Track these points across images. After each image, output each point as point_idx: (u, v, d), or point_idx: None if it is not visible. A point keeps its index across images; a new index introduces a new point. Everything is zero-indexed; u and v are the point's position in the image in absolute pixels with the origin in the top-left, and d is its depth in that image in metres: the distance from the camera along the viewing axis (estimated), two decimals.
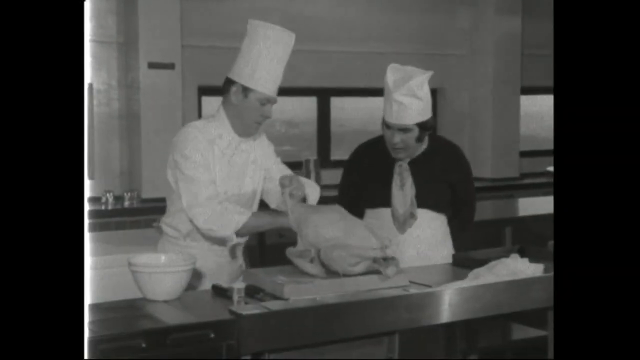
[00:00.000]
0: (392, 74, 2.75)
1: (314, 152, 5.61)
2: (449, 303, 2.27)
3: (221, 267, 2.55)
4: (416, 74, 2.75)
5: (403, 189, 2.80)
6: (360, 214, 2.80)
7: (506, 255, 2.54)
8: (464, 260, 2.74)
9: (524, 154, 6.21)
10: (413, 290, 2.30)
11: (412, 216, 2.80)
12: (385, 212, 2.81)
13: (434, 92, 6.05)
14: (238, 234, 2.44)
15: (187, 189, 2.44)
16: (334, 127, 5.68)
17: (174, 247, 2.51)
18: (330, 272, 2.31)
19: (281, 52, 2.48)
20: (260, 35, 2.47)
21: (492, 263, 2.49)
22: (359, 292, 2.26)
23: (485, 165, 5.99)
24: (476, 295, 2.32)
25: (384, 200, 2.82)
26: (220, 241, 2.50)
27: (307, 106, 5.62)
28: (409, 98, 2.71)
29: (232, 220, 2.41)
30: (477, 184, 5.26)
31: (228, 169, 2.53)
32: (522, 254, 2.60)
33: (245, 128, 2.54)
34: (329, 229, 2.33)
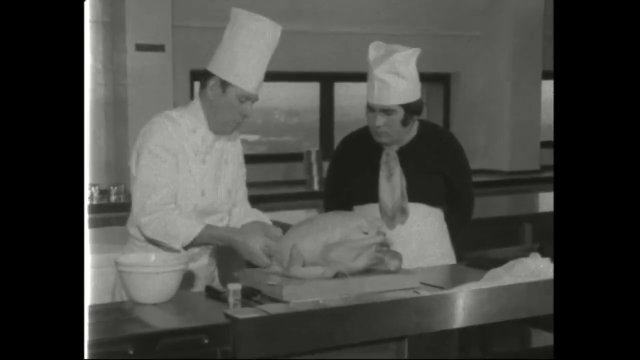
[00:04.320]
0: (374, 51, 2.74)
1: (315, 143, 5.62)
2: (463, 306, 2.28)
3: (194, 272, 2.54)
4: (400, 49, 2.73)
5: (391, 180, 2.79)
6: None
7: (525, 254, 2.54)
8: (479, 260, 2.74)
9: (545, 145, 6.21)
10: (424, 292, 2.31)
11: (403, 211, 2.78)
12: (374, 208, 2.81)
13: (446, 78, 6.08)
14: (188, 247, 2.43)
15: (138, 192, 2.42)
16: (337, 116, 5.69)
17: (140, 250, 2.49)
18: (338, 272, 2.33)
19: (265, 46, 2.45)
20: (244, 26, 2.44)
21: (510, 263, 2.49)
22: (365, 295, 2.27)
23: (502, 157, 6.00)
24: (493, 298, 2.32)
25: (372, 195, 2.81)
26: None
27: (309, 93, 5.62)
28: (391, 75, 2.69)
29: (180, 234, 2.39)
30: (494, 177, 5.23)
31: (203, 168, 2.52)
32: (543, 253, 2.60)
33: (221, 126, 2.52)
34: (306, 242, 2.34)
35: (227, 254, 2.63)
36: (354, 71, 5.54)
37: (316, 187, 5.14)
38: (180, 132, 2.48)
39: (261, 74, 2.48)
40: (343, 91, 5.69)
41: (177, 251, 2.41)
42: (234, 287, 2.17)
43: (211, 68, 2.48)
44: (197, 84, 5.06)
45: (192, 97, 5.07)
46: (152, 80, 4.73)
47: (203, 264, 2.60)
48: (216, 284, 2.28)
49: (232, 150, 2.63)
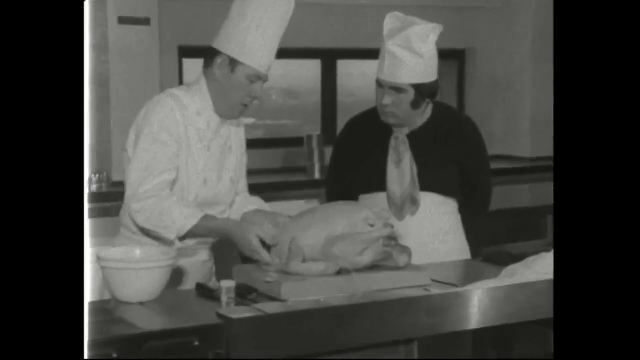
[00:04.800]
0: (390, 22, 2.75)
1: (317, 127, 5.62)
2: (477, 306, 2.29)
3: (191, 269, 2.56)
4: (418, 23, 2.72)
5: (400, 166, 2.80)
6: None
7: (547, 249, 2.54)
8: (496, 255, 2.75)
9: None
10: (435, 290, 2.32)
11: (413, 201, 2.79)
12: (381, 197, 2.82)
13: (460, 55, 6.07)
14: (183, 238, 2.43)
15: (133, 176, 2.42)
16: (341, 97, 5.68)
17: (132, 244, 2.49)
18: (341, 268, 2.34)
19: (278, 21, 2.46)
20: (254, 0, 2.45)
21: (531, 259, 2.51)
22: (371, 293, 2.28)
23: (523, 141, 5.99)
24: (510, 297, 2.33)
25: (380, 183, 2.82)
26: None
27: (310, 71, 5.61)
28: (404, 51, 2.69)
29: (175, 224, 2.39)
30: (513, 164, 5.25)
31: (207, 156, 2.53)
32: None
33: (229, 109, 2.53)
34: (307, 235, 2.35)
35: (228, 248, 2.64)
36: (359, 47, 5.53)
37: (317, 175, 5.14)
38: (185, 115, 2.48)
39: (273, 52, 2.49)
40: (347, 69, 5.69)
41: (170, 243, 2.41)
42: (227, 284, 2.17)
43: (218, 45, 2.48)
44: (186, 62, 5.10)
45: (181, 76, 5.08)
46: (136, 57, 4.71)
47: (201, 259, 2.61)
48: (214, 283, 2.28)
49: (237, 137, 2.64)
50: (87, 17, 1.58)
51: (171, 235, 2.40)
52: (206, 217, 2.43)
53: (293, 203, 4.47)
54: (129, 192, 2.44)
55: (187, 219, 2.40)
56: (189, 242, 2.48)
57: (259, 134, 5.52)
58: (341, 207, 2.44)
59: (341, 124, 5.54)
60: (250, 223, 2.49)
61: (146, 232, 2.46)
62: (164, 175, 2.43)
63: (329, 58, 5.64)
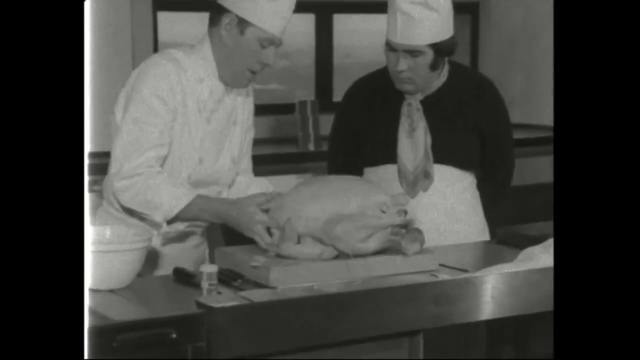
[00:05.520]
0: None
1: (311, 92, 5.62)
2: (491, 294, 2.31)
3: (181, 253, 2.59)
4: None
5: (413, 136, 2.82)
6: (357, 175, 2.80)
7: None
8: (513, 237, 2.78)
9: None
10: (443, 276, 2.35)
11: (427, 175, 2.82)
12: (389, 170, 2.84)
13: (474, 7, 6.06)
14: (173, 221, 2.45)
15: (120, 149, 2.42)
16: (337, 58, 5.68)
17: (116, 222, 2.52)
18: (340, 252, 2.36)
19: None
20: None
21: (551, 240, 2.52)
22: (371, 279, 2.30)
23: (544, 109, 6.00)
24: (529, 284, 2.35)
25: (389, 154, 2.84)
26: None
27: (302, 27, 5.60)
28: (418, 7, 2.70)
29: (164, 204, 2.40)
30: (534, 134, 5.27)
31: (206, 130, 2.54)
32: None
33: (235, 76, 2.53)
34: (314, 206, 2.35)
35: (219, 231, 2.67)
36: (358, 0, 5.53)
37: (311, 146, 5.16)
38: (185, 81, 2.48)
39: (289, 12, 2.48)
40: (344, 25, 5.68)
41: (158, 226, 2.43)
42: (209, 269, 2.19)
43: (225, 1, 2.47)
44: (161, 16, 5.08)
45: (155, 32, 5.06)
46: (104, 12, 4.69)
47: (192, 244, 2.64)
48: (203, 266, 2.29)
49: (243, 108, 2.64)
50: (87, 17, 1.67)
51: (159, 218, 2.42)
52: (199, 198, 2.44)
53: (283, 178, 4.47)
54: (113, 169, 2.44)
55: (177, 200, 2.41)
56: (179, 226, 2.49)
57: None
58: (356, 185, 2.44)
59: (338, 88, 5.61)
60: (250, 203, 2.47)
61: (131, 212, 2.48)
62: (154, 151, 2.43)
63: (323, 12, 5.63)
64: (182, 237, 2.57)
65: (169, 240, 2.56)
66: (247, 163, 2.73)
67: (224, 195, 2.64)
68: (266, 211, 2.39)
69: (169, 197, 2.41)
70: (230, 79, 2.53)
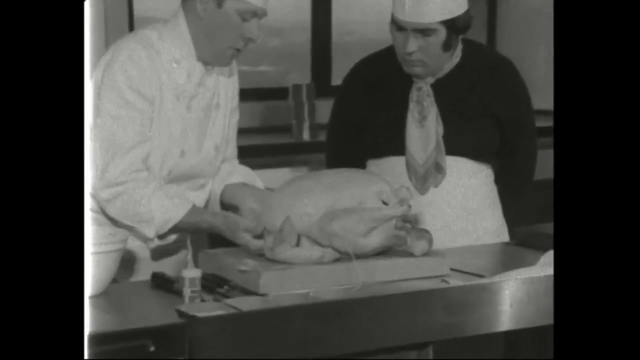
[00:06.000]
0: None
1: (306, 74, 5.61)
2: (509, 302, 2.31)
3: (162, 256, 2.61)
4: None
5: (423, 124, 2.83)
6: (359, 168, 2.81)
7: None
8: (534, 237, 2.79)
9: None
10: (456, 281, 2.36)
11: (438, 168, 2.83)
12: (396, 162, 2.85)
13: None
14: (166, 235, 2.48)
15: (99, 150, 2.42)
16: (337, 35, 5.67)
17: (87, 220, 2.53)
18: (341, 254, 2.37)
19: None
20: None
21: None
22: (374, 285, 2.31)
23: None
24: (551, 291, 2.33)
25: (395, 145, 2.85)
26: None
27: (296, 2, 5.60)
28: None
29: (155, 220, 2.44)
30: (550, 122, 5.20)
31: (186, 118, 2.54)
32: None
33: (216, 55, 2.54)
34: (306, 202, 2.36)
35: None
36: None
37: (307, 136, 5.16)
38: (158, 65, 2.48)
39: None
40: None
41: (149, 240, 2.47)
42: (191, 274, 2.20)
43: None
44: None
45: (130, 7, 5.05)
46: None
47: (179, 258, 2.64)
48: (185, 271, 2.31)
49: (227, 90, 2.65)
50: (87, 17, 1.74)
51: (150, 232, 2.45)
52: (193, 211, 2.48)
53: (275, 172, 4.48)
54: (93, 171, 2.44)
55: (170, 213, 2.45)
56: (169, 237, 2.53)
57: None
58: (352, 175, 2.46)
59: (337, 70, 5.59)
60: (236, 216, 2.52)
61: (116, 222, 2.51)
62: (138, 150, 2.44)
63: None
64: (170, 251, 2.60)
65: (160, 255, 2.60)
66: (231, 150, 2.74)
67: (207, 189, 2.66)
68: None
69: (161, 211, 2.44)
70: (211, 58, 2.54)
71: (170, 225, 2.46)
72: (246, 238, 2.41)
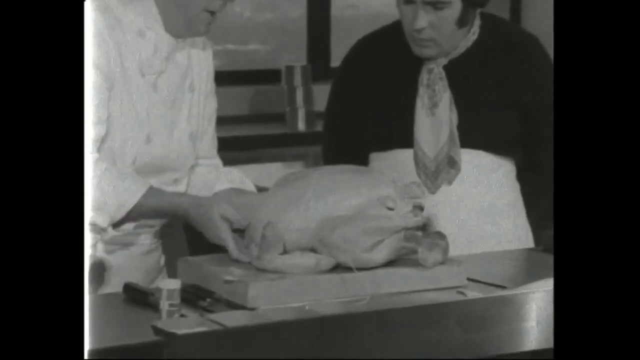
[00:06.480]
0: None
1: (302, 55, 5.62)
2: (536, 317, 2.32)
3: (129, 263, 2.62)
4: None
5: (434, 112, 2.84)
6: (361, 163, 2.84)
7: None
8: None
9: None
10: (474, 293, 2.36)
11: (452, 163, 2.83)
12: (403, 156, 2.86)
13: None
14: (120, 223, 2.48)
15: None
16: (336, 9, 5.68)
17: None
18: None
19: None
20: None
21: None
22: (380, 297, 2.32)
23: None
24: None
25: (403, 137, 2.86)
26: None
27: None
28: None
29: (109, 202, 2.43)
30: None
31: (152, 98, 2.55)
32: None
33: (186, 23, 2.54)
34: (296, 213, 2.35)
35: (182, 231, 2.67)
36: None
37: (302, 125, 5.16)
38: (119, 35, 2.48)
39: None
40: None
41: (102, 230, 2.46)
42: (169, 285, 2.19)
43: None
44: None
45: None
46: None
47: (141, 250, 2.65)
48: (163, 282, 2.30)
49: (200, 70, 2.66)
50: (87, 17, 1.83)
51: (103, 221, 2.44)
52: (151, 192, 2.46)
53: (265, 167, 4.49)
54: None
55: (125, 197, 2.43)
56: (127, 226, 2.52)
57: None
58: (349, 177, 2.43)
59: (336, 49, 5.60)
60: (214, 199, 2.51)
61: None
62: (90, 131, 2.43)
63: None
64: (128, 241, 2.58)
65: (112, 246, 2.59)
66: (209, 143, 2.74)
67: (183, 185, 2.66)
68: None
69: (115, 194, 2.43)
70: (181, 27, 2.54)
71: (125, 210, 2.44)
72: (223, 227, 2.39)
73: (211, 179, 2.70)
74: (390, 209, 2.37)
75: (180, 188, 2.66)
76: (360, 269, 2.33)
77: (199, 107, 2.66)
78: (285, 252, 2.36)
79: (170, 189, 2.61)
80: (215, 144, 2.76)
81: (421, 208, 2.40)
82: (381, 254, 2.37)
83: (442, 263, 2.41)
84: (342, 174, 2.46)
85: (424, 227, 2.45)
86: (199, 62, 2.66)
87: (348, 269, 2.33)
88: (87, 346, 1.80)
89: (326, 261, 2.35)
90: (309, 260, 2.35)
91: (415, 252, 2.38)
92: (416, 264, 2.40)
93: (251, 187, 2.70)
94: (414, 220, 2.37)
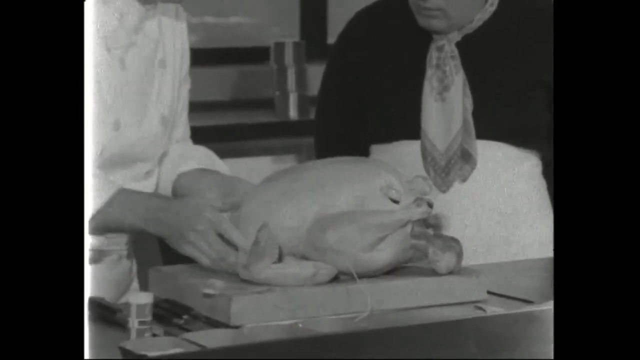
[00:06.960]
0: None
1: (295, 31, 5.64)
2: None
3: (96, 273, 2.58)
4: None
5: (445, 97, 2.84)
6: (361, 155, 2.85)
7: None
8: None
9: None
10: (495, 309, 2.37)
11: (467, 157, 2.84)
12: (409, 148, 2.87)
13: None
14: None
15: None
16: None
17: None
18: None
19: None
20: None
21: None
22: (386, 313, 2.32)
23: None
24: None
25: (408, 126, 2.87)
26: None
27: None
28: None
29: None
30: None
31: (120, 77, 2.56)
32: None
33: None
34: (287, 210, 2.35)
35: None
36: None
37: (294, 112, 5.17)
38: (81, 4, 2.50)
39: None
40: None
41: None
42: (140, 299, 2.19)
43: None
44: None
45: None
46: None
47: (109, 260, 2.66)
48: (132, 296, 2.30)
49: (174, 43, 2.68)
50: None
51: None
52: (123, 194, 2.49)
53: (252, 160, 4.50)
54: None
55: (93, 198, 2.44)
56: (95, 242, 2.55)
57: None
58: (345, 167, 2.44)
59: (333, 23, 5.61)
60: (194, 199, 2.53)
61: None
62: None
63: None
64: (97, 258, 2.60)
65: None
66: (183, 129, 2.77)
67: (154, 179, 2.69)
68: None
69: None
70: None
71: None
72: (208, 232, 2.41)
73: (180, 157, 2.74)
74: (395, 201, 2.37)
75: (152, 180, 2.68)
76: (362, 276, 2.33)
77: (172, 86, 2.67)
78: (279, 259, 2.35)
79: (142, 183, 2.64)
80: (188, 129, 2.80)
81: (429, 204, 2.38)
82: (385, 252, 2.36)
83: (456, 271, 2.41)
84: (339, 163, 2.48)
85: (435, 228, 2.45)
86: (173, 34, 2.69)
87: (348, 278, 2.34)
88: None
89: (326, 270, 2.35)
90: (305, 269, 2.34)
91: (425, 253, 2.38)
92: (427, 273, 2.41)
93: (221, 165, 2.73)
94: (419, 211, 2.36)
